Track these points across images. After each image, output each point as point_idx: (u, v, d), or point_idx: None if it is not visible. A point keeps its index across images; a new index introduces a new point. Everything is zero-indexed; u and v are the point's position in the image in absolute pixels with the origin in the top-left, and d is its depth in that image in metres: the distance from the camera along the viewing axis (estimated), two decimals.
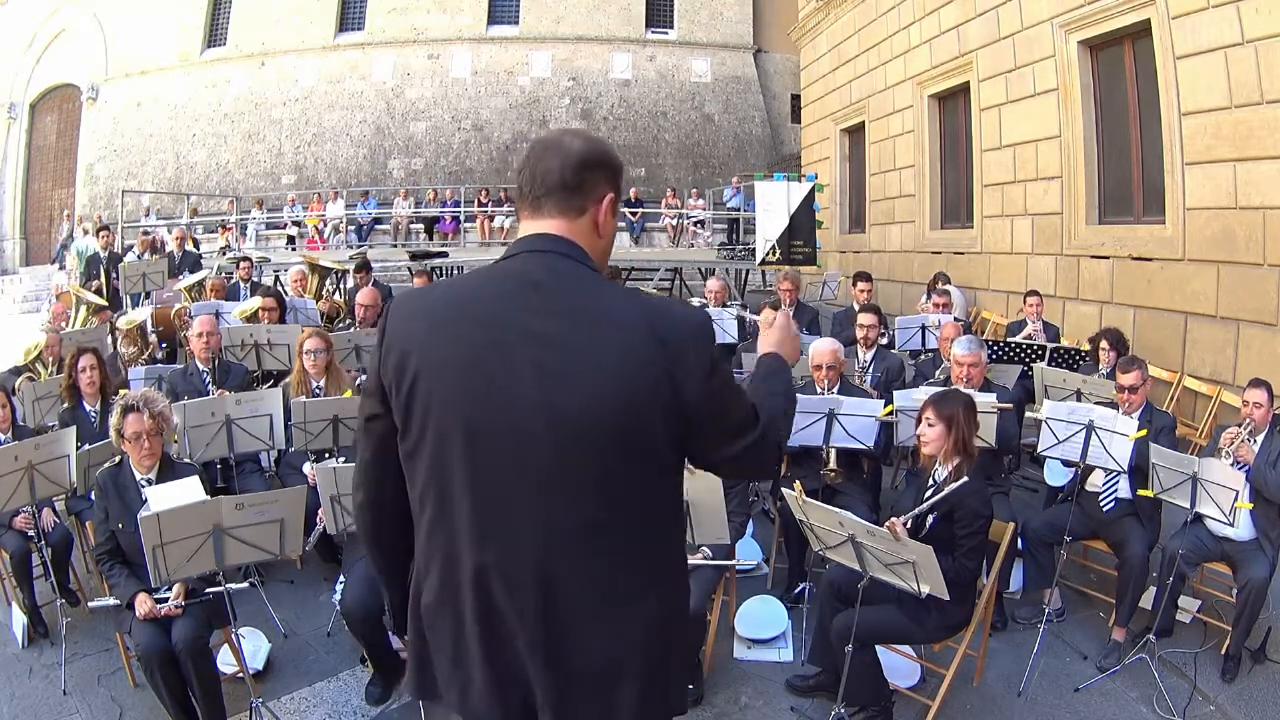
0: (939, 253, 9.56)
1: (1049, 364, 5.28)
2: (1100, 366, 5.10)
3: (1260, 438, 3.72)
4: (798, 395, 1.81)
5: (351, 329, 6.07)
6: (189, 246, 10.56)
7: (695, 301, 6.58)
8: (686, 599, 1.53)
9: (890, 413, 4.03)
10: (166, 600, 2.99)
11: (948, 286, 7.34)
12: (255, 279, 8.41)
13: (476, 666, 1.38)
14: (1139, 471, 3.70)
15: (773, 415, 1.48)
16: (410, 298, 1.49)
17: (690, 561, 2.94)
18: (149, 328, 6.68)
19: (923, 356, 5.93)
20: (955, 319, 6.18)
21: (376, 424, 1.46)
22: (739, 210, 15.13)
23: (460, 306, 1.40)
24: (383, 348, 1.42)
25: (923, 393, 3.93)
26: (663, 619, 1.41)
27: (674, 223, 16.45)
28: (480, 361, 1.33)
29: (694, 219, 16.16)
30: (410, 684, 1.52)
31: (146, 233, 12.32)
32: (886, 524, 2.84)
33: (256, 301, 6.54)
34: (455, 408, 1.34)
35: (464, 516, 1.36)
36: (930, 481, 3.20)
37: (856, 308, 6.36)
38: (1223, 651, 3.55)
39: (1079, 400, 4.41)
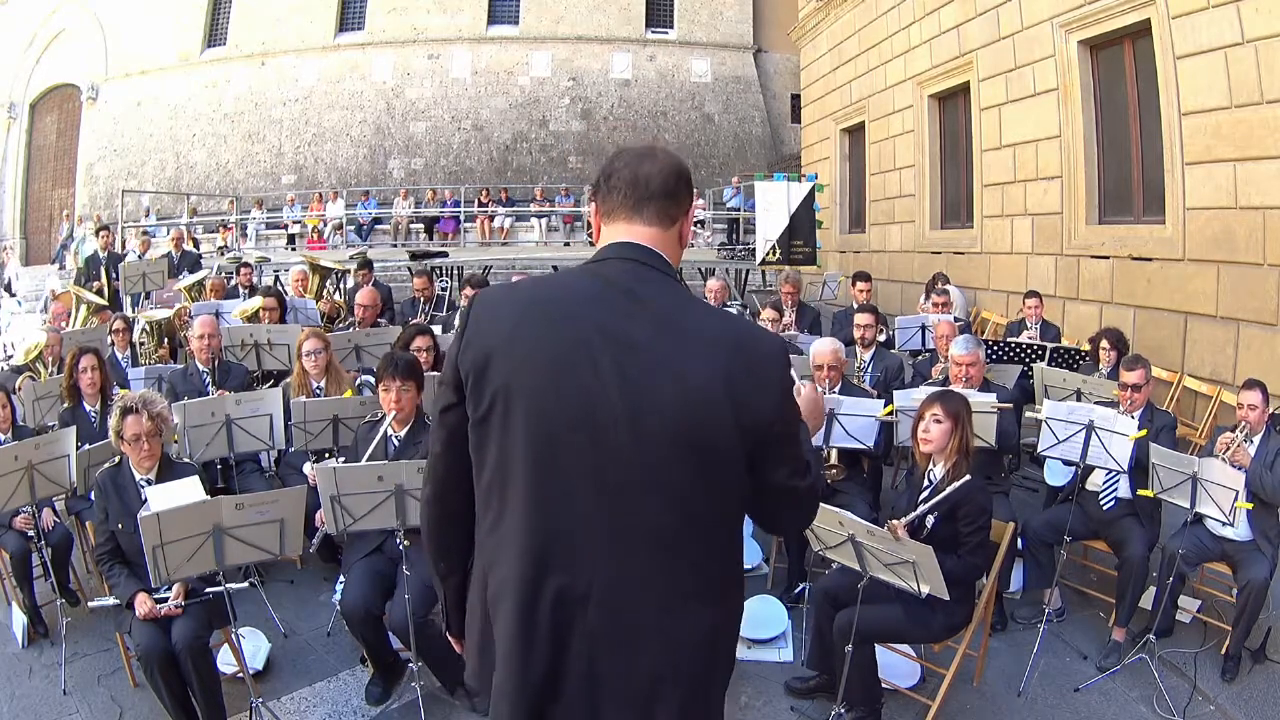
0: (939, 253, 9.56)
1: (1049, 364, 5.27)
2: (1100, 366, 5.09)
3: (1256, 439, 3.71)
4: None
5: (351, 329, 6.06)
6: (188, 246, 10.55)
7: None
8: (739, 610, 1.53)
9: (890, 413, 4.03)
10: (166, 600, 2.99)
11: (947, 286, 7.32)
12: (255, 282, 8.39)
13: (523, 662, 1.37)
14: (1139, 471, 3.69)
15: (817, 474, 1.55)
16: (497, 292, 1.50)
17: None
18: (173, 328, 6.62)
19: (921, 356, 5.94)
20: (955, 319, 6.17)
21: (450, 414, 1.46)
22: (739, 210, 15.12)
23: (548, 304, 1.40)
24: (463, 339, 1.42)
25: (922, 393, 3.93)
26: (714, 629, 1.41)
27: None
28: (563, 360, 1.33)
29: (694, 219, 16.13)
30: (471, 675, 1.51)
31: (147, 232, 12.33)
32: (887, 525, 2.84)
33: (257, 301, 6.52)
34: (534, 403, 1.34)
35: (530, 513, 1.35)
36: (926, 481, 3.18)
37: (855, 308, 6.36)
38: (1223, 651, 3.55)
39: (1079, 400, 4.40)
